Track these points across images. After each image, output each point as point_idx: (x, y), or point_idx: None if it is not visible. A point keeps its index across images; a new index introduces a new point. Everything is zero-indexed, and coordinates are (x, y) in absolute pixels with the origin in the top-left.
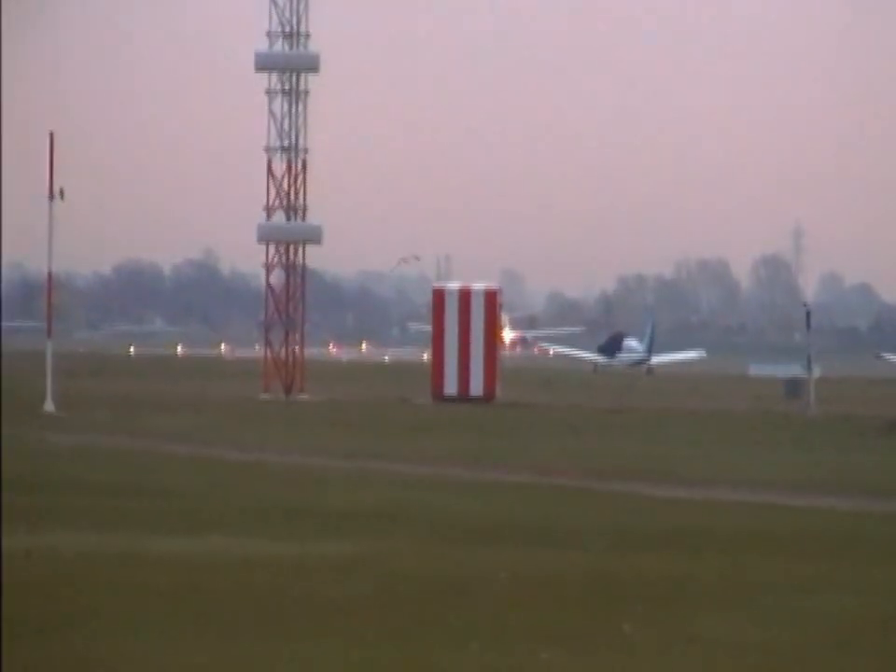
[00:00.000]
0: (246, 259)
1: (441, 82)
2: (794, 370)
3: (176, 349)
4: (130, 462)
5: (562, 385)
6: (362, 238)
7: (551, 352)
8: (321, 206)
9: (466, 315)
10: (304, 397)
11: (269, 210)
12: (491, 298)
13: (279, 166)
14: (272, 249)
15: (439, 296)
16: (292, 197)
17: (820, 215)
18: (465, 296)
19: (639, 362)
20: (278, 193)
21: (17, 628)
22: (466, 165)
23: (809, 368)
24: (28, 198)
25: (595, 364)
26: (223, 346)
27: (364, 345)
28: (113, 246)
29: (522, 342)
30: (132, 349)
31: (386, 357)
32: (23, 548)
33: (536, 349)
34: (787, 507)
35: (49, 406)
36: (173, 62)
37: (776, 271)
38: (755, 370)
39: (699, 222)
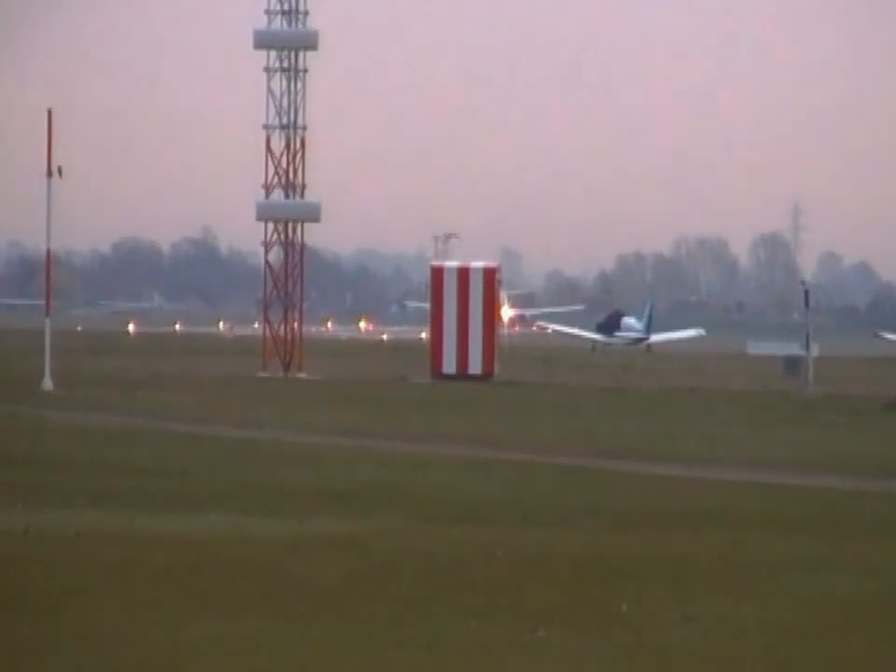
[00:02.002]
0: (245, 236)
1: (441, 61)
2: (793, 348)
3: (175, 327)
4: (128, 440)
5: (560, 363)
6: (361, 216)
7: (549, 330)
8: (320, 184)
9: (464, 294)
10: (303, 375)
11: (267, 188)
12: (490, 276)
13: (278, 144)
14: (270, 227)
15: (437, 274)
16: (291, 175)
17: (819, 193)
18: (464, 274)
19: (638, 340)
20: (277, 171)
21: (15, 606)
22: (465, 144)
23: (808, 346)
24: (26, 176)
25: (594, 342)
26: (221, 324)
27: (362, 323)
28: (111, 224)
29: (520, 320)
30: (130, 327)
31: (385, 336)
32: (21, 526)
33: (534, 327)
34: (785, 486)
35: (47, 384)
36: (171, 39)
37: (774, 249)
38: (754, 348)
39: (698, 200)
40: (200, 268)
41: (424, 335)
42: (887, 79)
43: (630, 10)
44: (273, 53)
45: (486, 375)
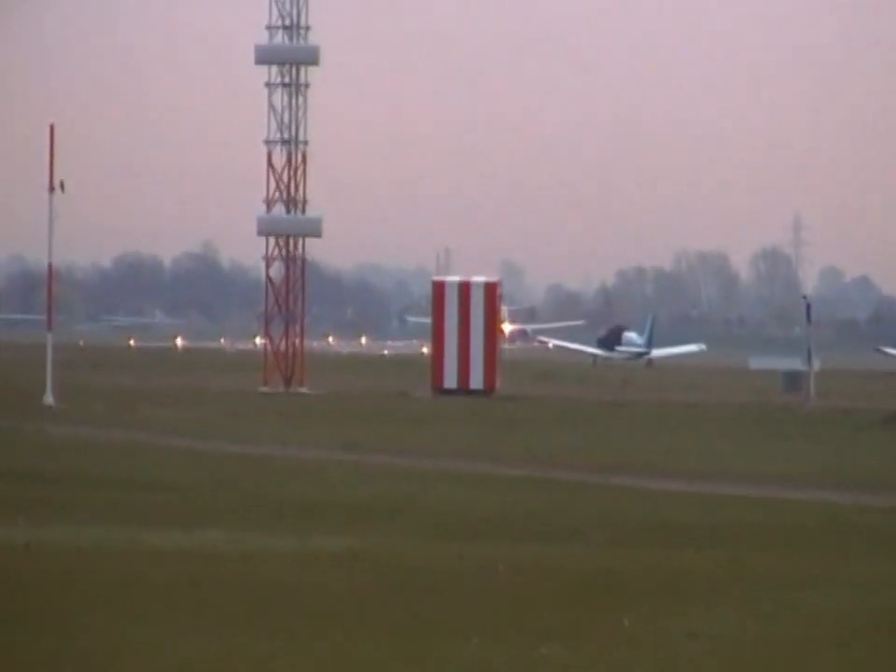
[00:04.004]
0: (246, 251)
1: (441, 75)
2: (794, 363)
3: (176, 342)
4: (129, 455)
5: (561, 377)
6: (362, 231)
7: (550, 345)
8: (321, 199)
9: (465, 308)
10: (304, 390)
11: (269, 203)
12: (491, 291)
13: (279, 159)
14: (271, 242)
15: (438, 289)
16: (292, 190)
17: (821, 207)
18: (465, 289)
19: (639, 355)
20: (278, 186)
21: (16, 620)
22: (465, 158)
23: (809, 361)
24: (28, 190)
25: (595, 357)
26: (223, 339)
27: (363, 338)
28: (113, 239)
29: (521, 334)
30: (131, 341)
31: (386, 350)
32: (23, 540)
33: (535, 342)
34: (786, 500)
35: (48, 398)
36: (173, 54)
37: (775, 263)
38: (755, 363)
39: (698, 214)
40: (201, 283)
41: (425, 350)
42: (889, 93)
43: (631, 22)
44: (274, 68)
45: (487, 390)
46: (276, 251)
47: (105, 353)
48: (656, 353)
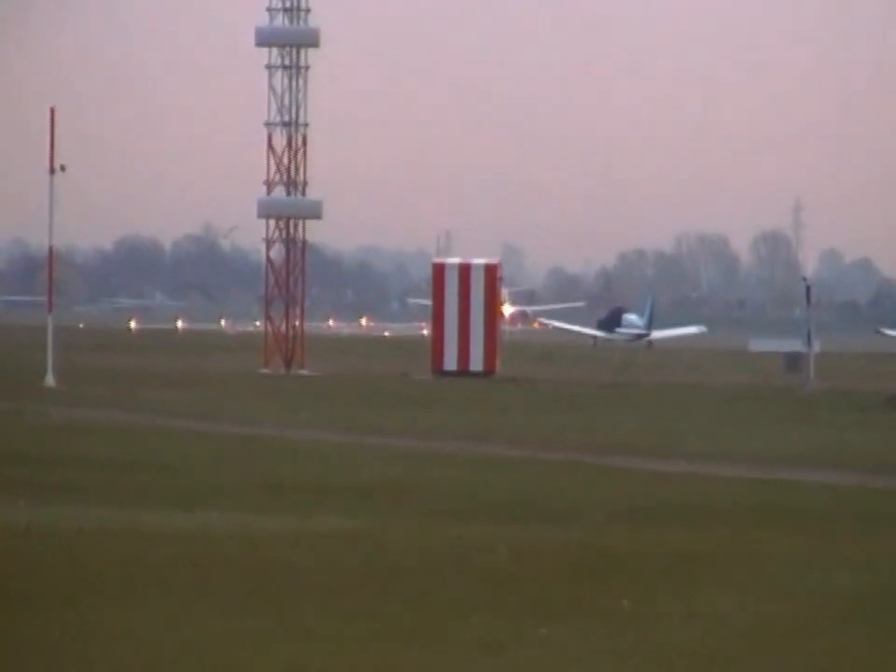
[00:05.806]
0: (247, 233)
1: (441, 57)
2: (794, 345)
3: (177, 324)
4: (130, 437)
5: (562, 359)
6: (362, 213)
7: (550, 327)
8: (321, 181)
9: (466, 290)
10: (304, 371)
11: (269, 185)
12: (491, 272)
13: (279, 141)
14: (272, 224)
15: (439, 271)
16: (292, 172)
17: (821, 190)
18: (465, 271)
19: (639, 337)
20: (278, 168)
21: (17, 603)
22: (466, 140)
23: (809, 343)
24: (29, 173)
25: (595, 338)
26: (223, 321)
27: (364, 320)
28: (113, 221)
29: (522, 316)
30: (132, 324)
31: (386, 332)
32: (23, 522)
33: (535, 324)
34: (787, 482)
35: (49, 380)
36: (173, 36)
37: (775, 246)
38: (755, 345)
39: (699, 197)
40: (201, 265)
41: (425, 332)
42: (888, 76)
43: (632, 9)
44: (274, 50)
45: (488, 372)
46: (277, 233)
47: (105, 335)
48: (656, 334)
